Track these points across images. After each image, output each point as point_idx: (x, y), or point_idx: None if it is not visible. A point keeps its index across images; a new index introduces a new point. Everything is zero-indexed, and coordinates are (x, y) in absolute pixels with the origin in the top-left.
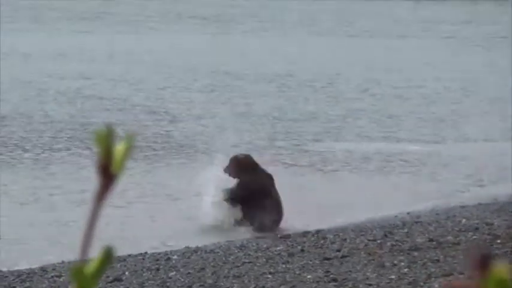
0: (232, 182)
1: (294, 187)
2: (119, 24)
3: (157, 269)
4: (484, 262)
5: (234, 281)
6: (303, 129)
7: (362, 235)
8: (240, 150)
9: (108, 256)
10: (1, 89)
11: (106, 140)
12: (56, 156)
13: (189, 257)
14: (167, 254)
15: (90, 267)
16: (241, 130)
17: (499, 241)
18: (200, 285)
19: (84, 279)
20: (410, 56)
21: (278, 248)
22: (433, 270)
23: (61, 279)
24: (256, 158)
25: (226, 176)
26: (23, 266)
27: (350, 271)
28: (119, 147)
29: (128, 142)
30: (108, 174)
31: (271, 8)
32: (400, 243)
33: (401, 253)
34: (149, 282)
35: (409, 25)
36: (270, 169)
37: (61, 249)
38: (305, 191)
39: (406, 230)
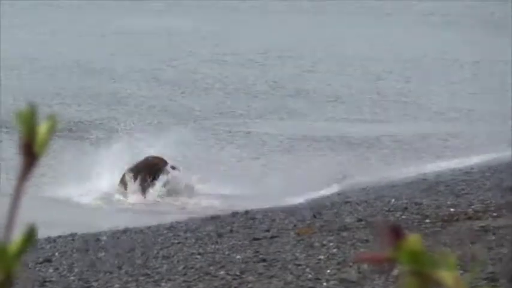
0: None
1: (226, 168)
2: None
3: (87, 250)
4: (395, 233)
5: (163, 261)
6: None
7: (291, 215)
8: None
9: (30, 235)
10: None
11: (29, 119)
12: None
13: (118, 238)
14: (96, 235)
15: (13, 247)
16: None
17: (428, 221)
18: (129, 266)
19: (7, 258)
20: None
21: (207, 229)
22: (362, 250)
23: None
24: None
25: None
26: None
27: (279, 251)
28: (42, 128)
29: (50, 122)
30: (30, 154)
31: None
32: (329, 224)
33: (331, 233)
34: (79, 263)
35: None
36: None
37: None
38: (235, 172)
39: (335, 210)
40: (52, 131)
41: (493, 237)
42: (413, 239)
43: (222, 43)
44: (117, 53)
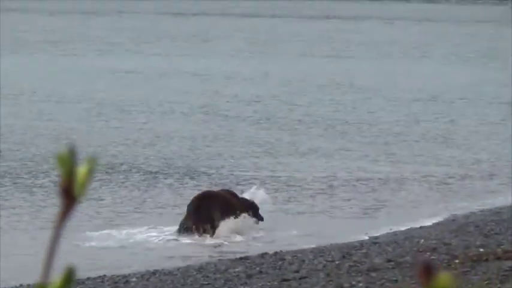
0: None
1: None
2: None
3: None
4: (427, 271)
5: None
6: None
7: (320, 256)
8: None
9: (69, 276)
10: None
11: (68, 162)
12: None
13: (147, 279)
14: (126, 277)
15: (52, 287)
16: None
17: (457, 261)
18: None
19: None
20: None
21: (236, 270)
22: None
23: None
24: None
25: None
26: None
27: None
28: (81, 170)
29: (89, 165)
30: (69, 197)
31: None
32: (358, 264)
33: (360, 274)
34: None
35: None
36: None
37: (18, 273)
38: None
39: (364, 251)
40: (91, 173)
41: None
42: (444, 277)
43: (252, 82)
44: (152, 92)
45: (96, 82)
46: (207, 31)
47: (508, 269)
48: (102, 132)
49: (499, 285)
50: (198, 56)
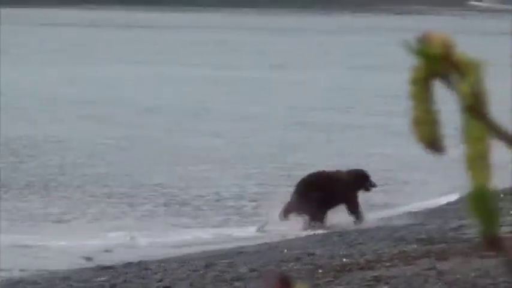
0: None
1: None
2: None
3: None
4: (284, 284)
5: None
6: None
7: (184, 265)
8: None
9: None
10: None
11: None
12: None
13: None
14: None
15: None
16: None
17: (320, 271)
18: None
19: None
20: None
21: (101, 279)
22: None
23: None
24: None
25: None
26: None
27: None
28: None
29: None
30: None
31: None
32: (222, 274)
33: (224, 283)
34: None
35: None
36: None
37: None
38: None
39: (228, 260)
40: None
41: (386, 287)
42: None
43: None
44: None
45: None
46: None
47: (370, 279)
48: None
49: None
50: None
